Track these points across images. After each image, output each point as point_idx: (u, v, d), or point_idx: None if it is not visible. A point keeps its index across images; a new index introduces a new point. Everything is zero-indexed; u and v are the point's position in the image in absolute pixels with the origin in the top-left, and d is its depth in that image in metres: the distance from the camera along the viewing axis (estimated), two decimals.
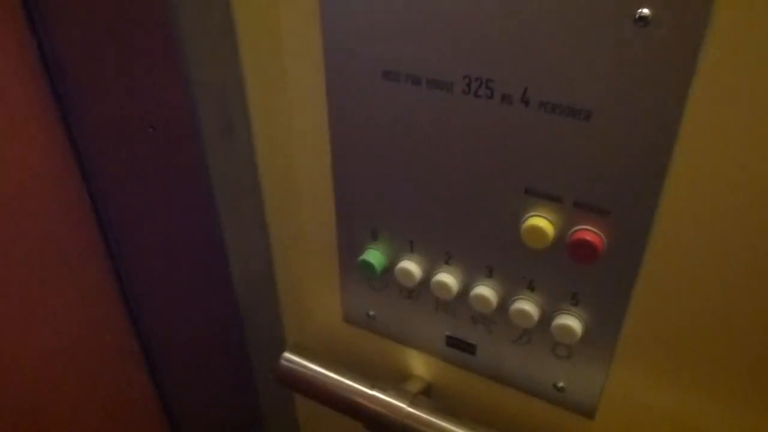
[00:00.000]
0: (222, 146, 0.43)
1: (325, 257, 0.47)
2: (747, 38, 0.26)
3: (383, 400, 0.45)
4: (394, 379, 0.48)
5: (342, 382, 0.47)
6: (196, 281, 0.51)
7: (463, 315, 0.43)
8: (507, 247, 0.38)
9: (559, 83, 0.30)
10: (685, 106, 0.28)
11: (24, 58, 0.43)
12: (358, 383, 0.46)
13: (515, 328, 0.40)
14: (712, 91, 0.28)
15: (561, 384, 0.41)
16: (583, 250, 0.34)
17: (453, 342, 0.45)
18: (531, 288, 0.38)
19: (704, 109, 0.28)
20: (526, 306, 0.38)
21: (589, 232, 0.34)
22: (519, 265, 0.38)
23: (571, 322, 0.37)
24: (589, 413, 0.41)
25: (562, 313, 0.38)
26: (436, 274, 0.41)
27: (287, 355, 0.49)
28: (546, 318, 0.38)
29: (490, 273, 0.39)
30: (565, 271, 0.36)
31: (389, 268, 0.43)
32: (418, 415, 0.43)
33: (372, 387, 0.46)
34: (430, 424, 0.43)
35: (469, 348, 0.44)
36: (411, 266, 0.42)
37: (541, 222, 0.35)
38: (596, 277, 0.35)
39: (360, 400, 0.46)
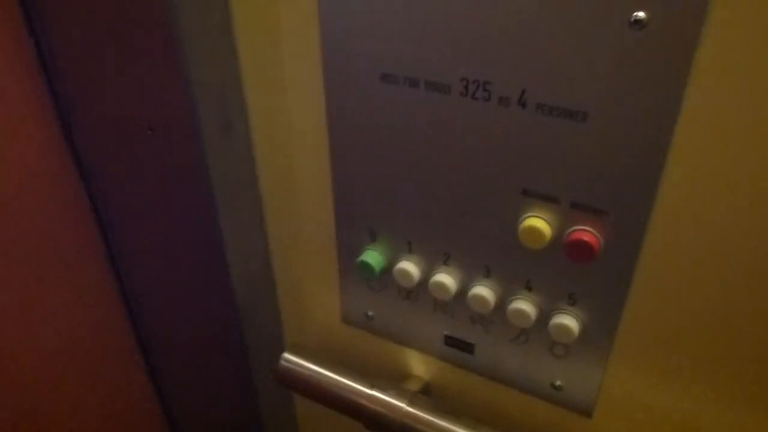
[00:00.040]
0: (221, 146, 0.43)
1: (324, 258, 0.48)
2: (741, 40, 0.26)
3: (382, 400, 0.45)
4: (393, 379, 0.48)
5: (341, 381, 0.47)
6: (195, 281, 0.52)
7: (462, 315, 0.43)
8: (505, 248, 0.38)
9: (556, 85, 0.31)
10: (681, 107, 0.29)
11: (21, 57, 0.43)
12: (357, 383, 0.46)
13: (513, 327, 0.41)
14: (706, 92, 0.28)
15: (558, 383, 0.42)
16: (580, 250, 0.34)
17: (451, 342, 0.45)
18: (528, 288, 0.38)
19: (699, 111, 0.28)
20: (524, 306, 0.39)
21: (585, 233, 0.34)
22: (517, 265, 0.38)
23: (568, 321, 0.37)
24: (586, 412, 0.42)
25: (560, 312, 0.38)
26: (434, 274, 0.41)
27: (286, 355, 0.49)
28: (543, 317, 0.39)
29: (488, 273, 0.40)
30: (562, 271, 0.36)
31: (388, 268, 0.44)
32: (417, 415, 0.43)
33: (371, 387, 0.46)
34: (429, 423, 0.43)
35: (467, 347, 0.44)
36: (409, 267, 0.42)
37: (538, 222, 0.35)
38: (593, 276, 0.36)
39: (359, 399, 0.46)
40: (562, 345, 0.40)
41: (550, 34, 0.30)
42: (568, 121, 0.31)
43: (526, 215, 0.35)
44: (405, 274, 0.42)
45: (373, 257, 0.43)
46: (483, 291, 0.40)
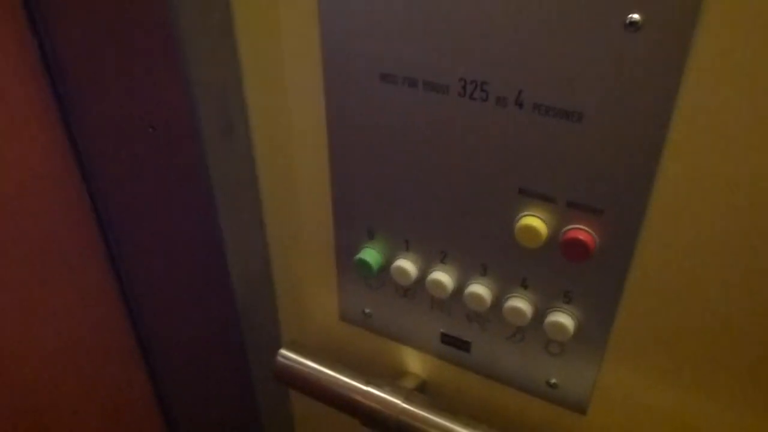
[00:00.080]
0: (221, 146, 0.43)
1: (323, 256, 0.48)
2: (733, 42, 0.27)
3: (378, 397, 0.45)
4: (390, 376, 0.49)
5: (337, 378, 0.47)
6: (194, 280, 0.52)
7: (458, 313, 0.43)
8: (501, 246, 0.38)
9: (552, 86, 0.31)
10: (674, 108, 0.29)
11: (25, 58, 0.44)
12: (353, 380, 0.47)
13: (509, 325, 0.41)
14: (700, 93, 0.28)
15: (554, 380, 0.42)
16: (575, 248, 0.35)
17: (448, 339, 0.45)
18: (524, 286, 0.39)
19: (692, 111, 0.29)
20: (520, 304, 0.39)
21: (581, 231, 0.34)
22: (513, 263, 0.39)
23: (563, 319, 0.38)
24: (581, 409, 0.42)
25: (555, 310, 0.38)
26: (431, 272, 0.42)
27: (284, 352, 0.49)
28: (539, 315, 0.39)
29: (484, 271, 0.40)
30: (558, 269, 0.37)
31: (385, 266, 0.44)
32: (413, 411, 0.44)
33: (367, 383, 0.46)
34: (424, 420, 0.43)
35: (463, 345, 0.45)
36: (407, 265, 0.42)
37: (534, 221, 0.35)
38: (588, 275, 0.36)
39: (355, 396, 0.46)
40: (558, 343, 0.40)
41: (546, 36, 0.30)
42: (564, 122, 0.32)
43: (523, 214, 0.36)
44: (402, 272, 0.43)
45: (370, 255, 0.44)
46: (479, 289, 0.40)
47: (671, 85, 0.28)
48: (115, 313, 0.59)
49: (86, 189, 0.51)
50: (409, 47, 0.34)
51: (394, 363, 0.50)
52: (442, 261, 0.41)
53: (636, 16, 0.28)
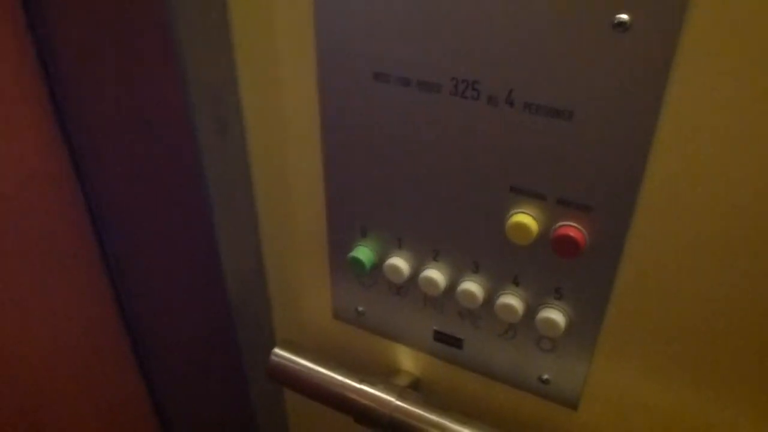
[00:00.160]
0: (216, 145, 0.43)
1: (316, 254, 0.48)
2: (719, 42, 0.27)
3: (372, 394, 0.45)
4: (383, 374, 0.49)
5: (331, 376, 0.47)
6: (188, 279, 0.52)
7: (451, 310, 0.44)
8: (493, 244, 0.39)
9: (543, 85, 0.32)
10: (662, 106, 0.30)
11: (21, 57, 0.44)
12: (347, 378, 0.47)
13: (501, 322, 0.42)
14: (686, 92, 0.29)
15: (546, 376, 0.43)
16: (566, 245, 0.35)
17: (440, 337, 0.46)
18: (516, 283, 0.39)
19: (679, 110, 0.29)
20: (512, 300, 0.39)
21: (571, 228, 0.35)
22: (504, 260, 0.39)
23: (554, 315, 0.38)
24: (572, 404, 0.43)
25: (546, 307, 0.39)
26: (423, 270, 0.42)
27: (277, 350, 0.50)
28: (531, 312, 0.40)
29: (476, 269, 0.40)
30: (548, 266, 0.37)
31: (378, 264, 0.44)
32: (406, 408, 0.44)
33: (361, 381, 0.46)
34: (417, 417, 0.44)
35: (456, 342, 0.45)
36: (399, 263, 0.43)
37: (525, 219, 0.36)
38: (579, 271, 0.37)
39: (349, 394, 0.46)
40: (549, 339, 0.41)
41: (536, 36, 0.31)
42: (555, 120, 0.32)
43: (514, 211, 0.36)
44: (395, 269, 0.43)
45: (363, 253, 0.44)
46: (471, 286, 0.40)
47: (659, 84, 0.29)
48: (109, 313, 0.58)
49: (81, 188, 0.51)
50: (402, 47, 0.35)
51: (387, 361, 0.51)
52: (435, 259, 0.42)
53: (624, 17, 0.28)
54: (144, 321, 0.60)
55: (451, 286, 0.42)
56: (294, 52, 0.40)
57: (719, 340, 0.35)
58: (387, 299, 0.46)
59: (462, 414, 0.43)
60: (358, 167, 0.41)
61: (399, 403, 0.44)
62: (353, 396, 0.46)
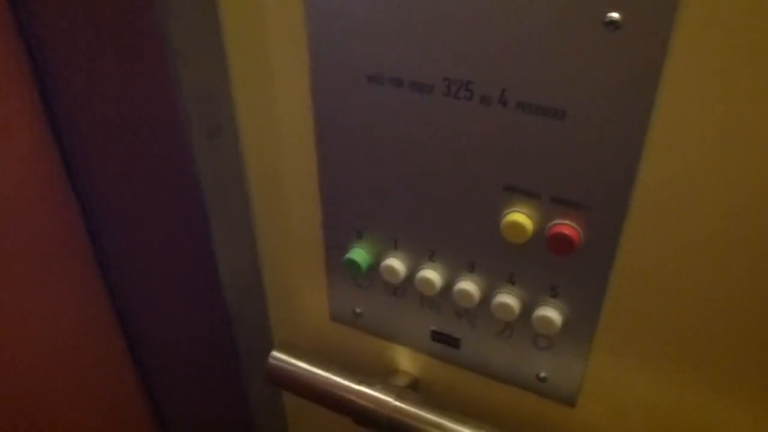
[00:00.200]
0: (209, 148, 0.43)
1: (312, 257, 0.48)
2: (710, 41, 0.27)
3: (370, 395, 0.46)
4: (382, 375, 0.49)
5: (329, 378, 0.48)
6: (184, 282, 0.52)
7: (447, 310, 0.44)
8: (488, 243, 0.39)
9: (535, 84, 0.32)
10: (654, 105, 0.30)
11: (11, 60, 0.44)
12: (345, 379, 0.47)
13: (497, 321, 0.42)
14: (678, 91, 0.29)
15: (543, 374, 0.43)
16: (560, 243, 0.35)
17: (438, 337, 0.46)
18: (512, 282, 0.40)
19: (672, 108, 0.30)
20: (508, 299, 0.40)
21: (566, 226, 0.35)
22: (500, 259, 0.39)
23: (550, 313, 0.38)
24: (570, 402, 0.43)
25: (542, 305, 0.39)
26: (420, 270, 0.42)
27: (275, 353, 0.50)
28: (527, 310, 0.40)
29: (472, 268, 0.41)
30: (544, 264, 0.38)
31: (374, 266, 0.44)
32: (405, 409, 0.44)
33: (359, 382, 0.46)
34: (416, 417, 0.44)
35: (453, 342, 0.45)
36: (395, 263, 0.43)
37: (520, 217, 0.36)
38: (574, 269, 0.37)
39: (347, 395, 0.46)
40: (546, 337, 0.41)
41: (528, 35, 0.31)
42: (547, 119, 0.33)
43: (508, 211, 0.37)
44: (391, 270, 0.43)
45: (359, 255, 0.44)
46: (468, 286, 0.41)
47: (651, 82, 0.29)
48: (105, 316, 0.58)
49: (74, 191, 0.51)
50: (394, 48, 0.35)
51: (385, 361, 0.51)
52: (431, 259, 0.42)
53: (615, 15, 0.28)
54: (141, 324, 0.60)
55: (448, 286, 0.42)
56: (286, 54, 0.40)
57: (715, 336, 0.35)
58: (384, 300, 0.47)
59: (461, 413, 0.44)
60: (352, 169, 0.41)
61: (398, 403, 0.44)
62: (352, 397, 0.46)
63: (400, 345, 0.49)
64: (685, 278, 0.34)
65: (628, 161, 0.32)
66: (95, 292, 0.57)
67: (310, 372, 0.48)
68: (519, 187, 0.36)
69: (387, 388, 0.46)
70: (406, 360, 0.50)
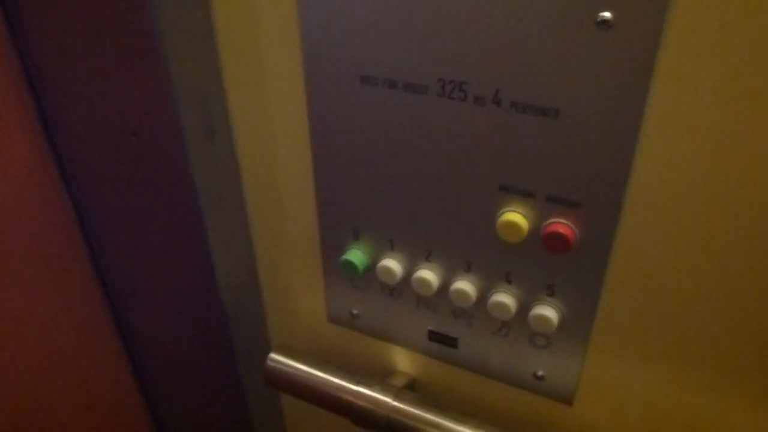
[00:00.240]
0: (204, 150, 0.43)
1: (308, 258, 0.48)
2: (701, 40, 0.28)
3: (369, 396, 0.46)
4: (380, 375, 0.49)
5: (327, 379, 0.48)
6: (180, 284, 0.52)
7: (444, 310, 0.44)
8: (484, 243, 0.39)
9: (529, 84, 0.32)
10: (646, 104, 0.30)
11: (4, 64, 0.44)
12: (343, 380, 0.47)
13: (494, 320, 0.42)
14: (670, 89, 0.29)
15: (540, 373, 0.43)
16: (556, 242, 0.35)
17: (435, 336, 0.46)
18: (508, 281, 0.40)
19: (664, 107, 0.30)
20: (504, 298, 0.40)
21: (561, 225, 0.35)
22: (496, 259, 0.39)
23: (547, 312, 0.39)
24: (567, 400, 0.43)
25: (539, 303, 0.39)
26: (416, 271, 0.42)
27: (273, 355, 0.50)
28: (523, 309, 0.40)
29: (468, 268, 0.41)
30: (540, 263, 0.38)
31: (371, 266, 0.45)
32: (404, 409, 0.44)
33: (357, 383, 0.47)
34: (415, 417, 0.44)
35: (450, 342, 0.46)
36: (392, 264, 0.43)
37: (515, 217, 0.36)
38: (570, 267, 0.37)
39: (346, 396, 0.46)
40: (543, 335, 0.41)
41: (521, 35, 0.31)
42: (541, 118, 0.33)
43: (504, 210, 0.37)
44: (388, 271, 0.43)
45: (356, 256, 0.44)
46: (464, 285, 0.41)
47: (643, 80, 0.29)
48: (102, 319, 0.58)
49: (69, 194, 0.51)
50: (388, 50, 0.35)
51: (383, 362, 0.51)
52: (427, 259, 0.42)
53: (607, 15, 0.28)
54: (138, 326, 0.60)
55: (444, 286, 0.42)
56: (280, 56, 0.40)
57: (711, 334, 0.35)
58: (381, 301, 0.47)
59: (459, 413, 0.44)
60: (347, 170, 0.41)
61: (396, 403, 0.45)
62: (350, 398, 0.46)
63: (398, 345, 0.49)
64: (680, 276, 0.34)
65: (621, 160, 0.32)
66: (91, 293, 0.57)
67: (308, 374, 0.48)
68: (514, 187, 0.36)
69: (385, 389, 0.46)
70: (403, 360, 0.50)
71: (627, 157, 0.32)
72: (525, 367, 0.43)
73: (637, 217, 0.34)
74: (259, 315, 0.56)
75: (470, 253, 0.40)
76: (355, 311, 0.49)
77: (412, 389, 0.50)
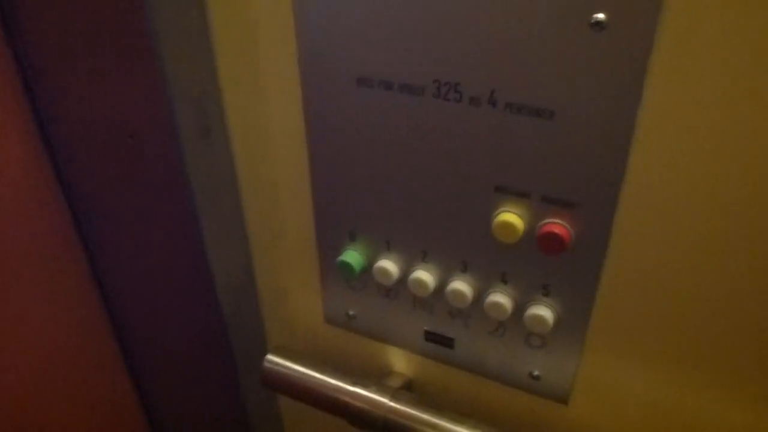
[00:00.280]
0: (200, 151, 0.43)
1: (305, 260, 0.49)
2: (694, 41, 0.28)
3: (365, 396, 0.46)
4: (376, 376, 0.49)
5: (325, 380, 0.48)
6: (177, 285, 0.52)
7: (441, 310, 0.44)
8: (480, 243, 0.39)
9: (524, 85, 0.32)
10: (640, 104, 0.30)
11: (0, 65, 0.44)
12: (340, 381, 0.47)
13: (490, 320, 0.42)
14: (664, 90, 0.29)
15: (536, 372, 0.43)
16: (551, 242, 0.35)
17: (431, 337, 0.46)
18: (504, 281, 0.40)
19: (657, 107, 0.30)
20: (500, 298, 0.40)
21: (556, 225, 0.35)
22: (492, 259, 0.39)
23: (543, 312, 0.39)
24: (563, 399, 0.43)
25: (535, 303, 0.39)
26: (413, 271, 0.43)
27: (270, 357, 0.50)
28: (519, 309, 0.40)
29: (464, 268, 0.41)
30: (535, 263, 0.38)
31: (367, 267, 0.45)
32: (400, 409, 0.44)
33: (354, 384, 0.47)
34: (411, 417, 0.44)
35: (447, 342, 0.46)
36: (388, 265, 0.43)
37: (511, 217, 0.36)
38: (565, 267, 0.37)
39: (343, 397, 0.46)
40: (538, 335, 0.41)
41: (516, 37, 0.31)
42: (536, 119, 0.33)
43: (499, 211, 0.37)
44: (384, 272, 0.43)
45: (352, 257, 0.44)
46: (460, 286, 0.41)
47: (636, 81, 0.29)
48: (98, 321, 0.58)
49: (65, 195, 0.51)
50: (383, 51, 0.35)
51: (380, 363, 0.51)
52: (423, 260, 0.42)
53: (601, 16, 0.29)
54: (134, 328, 0.60)
55: (441, 287, 0.42)
56: (276, 57, 0.40)
57: (706, 333, 0.35)
58: (377, 302, 0.47)
59: (455, 413, 0.44)
60: (344, 171, 0.41)
61: (393, 404, 0.45)
62: (347, 399, 0.46)
63: (395, 346, 0.49)
64: (675, 275, 0.35)
65: (615, 160, 0.32)
66: (88, 295, 0.57)
67: (305, 375, 0.48)
68: (509, 187, 0.36)
69: (382, 390, 0.46)
70: (400, 361, 0.50)
71: (621, 157, 0.32)
72: (521, 367, 0.43)
73: (631, 217, 0.34)
74: (255, 316, 0.56)
75: (466, 254, 0.40)
76: (351, 312, 0.49)
77: (409, 390, 0.50)
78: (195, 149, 0.43)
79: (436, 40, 0.33)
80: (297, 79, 0.39)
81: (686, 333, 0.36)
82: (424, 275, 0.42)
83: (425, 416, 0.44)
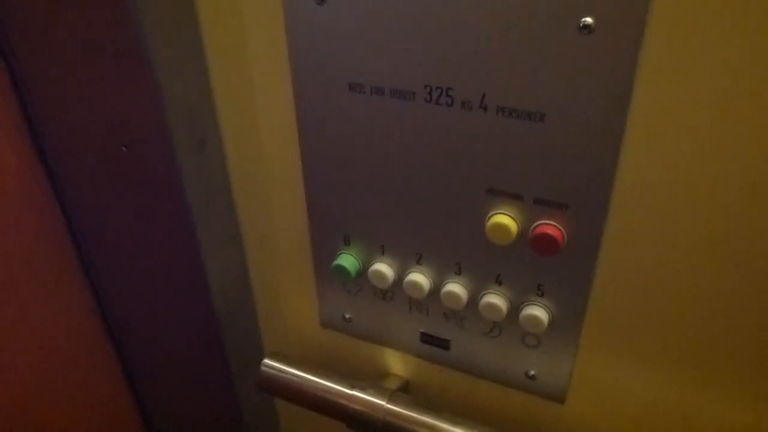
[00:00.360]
0: (195, 160, 0.43)
1: (300, 264, 0.49)
2: (680, 42, 0.28)
3: (363, 399, 0.46)
4: (373, 379, 0.49)
5: (321, 384, 0.48)
6: (173, 292, 0.52)
7: (436, 312, 0.44)
8: (474, 245, 0.39)
9: (514, 89, 0.32)
10: (629, 106, 0.30)
11: None
12: (337, 384, 0.47)
13: (486, 321, 0.42)
14: (652, 91, 0.30)
15: (532, 372, 0.43)
16: (545, 243, 0.36)
17: (427, 339, 0.46)
18: (498, 282, 0.40)
19: (646, 109, 0.30)
20: (495, 300, 0.40)
21: (549, 227, 0.36)
22: (486, 261, 0.40)
23: (537, 312, 0.39)
24: (559, 398, 0.43)
25: (529, 304, 0.40)
26: (408, 274, 0.43)
27: (267, 361, 0.50)
28: (514, 310, 0.40)
29: (459, 270, 0.41)
30: (529, 264, 0.38)
31: (363, 271, 0.45)
32: (398, 411, 0.44)
33: (351, 387, 0.47)
34: (409, 419, 0.44)
35: (443, 344, 0.46)
36: (383, 268, 0.43)
37: (504, 219, 0.36)
38: (559, 268, 0.37)
39: (340, 400, 0.47)
40: (534, 335, 0.41)
41: (506, 41, 0.31)
42: (527, 122, 0.33)
43: (493, 213, 0.37)
44: (379, 275, 0.43)
45: (347, 261, 0.44)
46: (455, 288, 0.41)
47: (625, 83, 0.30)
48: (93, 327, 0.58)
49: (60, 204, 0.51)
50: (374, 57, 0.35)
51: (376, 365, 0.51)
52: (418, 263, 0.42)
53: (589, 20, 0.29)
54: (131, 335, 0.60)
55: (436, 289, 0.42)
56: (268, 67, 0.40)
57: (700, 332, 0.36)
58: (373, 305, 0.47)
59: (453, 414, 0.44)
60: (337, 176, 0.42)
61: (390, 406, 0.45)
62: (344, 402, 0.46)
63: (391, 348, 0.49)
64: (668, 275, 0.35)
65: (606, 161, 0.32)
66: (83, 302, 0.57)
67: (302, 378, 0.49)
68: (502, 190, 0.36)
69: (379, 392, 0.46)
70: (397, 363, 0.50)
71: (612, 158, 0.32)
72: (517, 367, 0.44)
73: (623, 217, 0.34)
74: (252, 321, 0.56)
75: (460, 256, 0.40)
76: (347, 315, 0.49)
77: (406, 391, 0.50)
78: (189, 158, 0.43)
79: (427, 46, 0.33)
80: (289, 86, 0.40)
81: (679, 332, 0.36)
82: (419, 278, 0.42)
83: (423, 418, 0.44)
